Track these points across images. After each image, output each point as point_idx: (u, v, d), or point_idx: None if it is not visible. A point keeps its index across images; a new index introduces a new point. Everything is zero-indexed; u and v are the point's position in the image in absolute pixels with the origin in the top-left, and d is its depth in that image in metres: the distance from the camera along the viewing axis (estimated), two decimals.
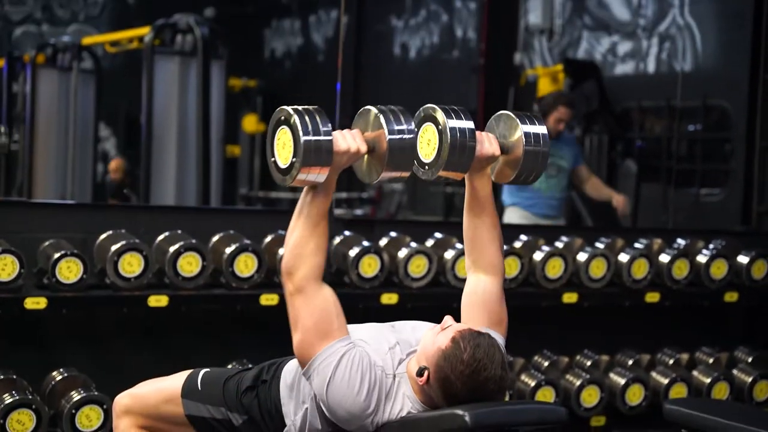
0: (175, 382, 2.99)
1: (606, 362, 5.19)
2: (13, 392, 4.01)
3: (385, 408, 2.67)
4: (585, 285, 5.00)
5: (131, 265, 4.22)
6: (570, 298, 4.96)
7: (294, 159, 2.59)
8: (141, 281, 4.24)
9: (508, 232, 5.18)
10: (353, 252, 4.61)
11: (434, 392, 2.64)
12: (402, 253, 4.71)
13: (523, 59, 8.82)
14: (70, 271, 4.12)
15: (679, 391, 5.04)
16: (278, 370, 2.90)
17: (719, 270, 5.22)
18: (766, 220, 6.24)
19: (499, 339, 2.80)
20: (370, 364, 2.66)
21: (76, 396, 4.09)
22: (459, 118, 2.73)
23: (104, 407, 4.07)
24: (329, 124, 2.60)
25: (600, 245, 5.15)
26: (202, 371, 2.99)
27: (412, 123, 2.68)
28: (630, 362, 5.21)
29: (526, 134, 2.84)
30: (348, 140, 2.64)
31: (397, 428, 2.66)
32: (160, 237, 4.42)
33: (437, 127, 2.73)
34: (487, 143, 2.80)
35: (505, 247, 4.85)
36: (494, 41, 8.18)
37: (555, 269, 4.93)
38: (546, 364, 5.07)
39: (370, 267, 4.62)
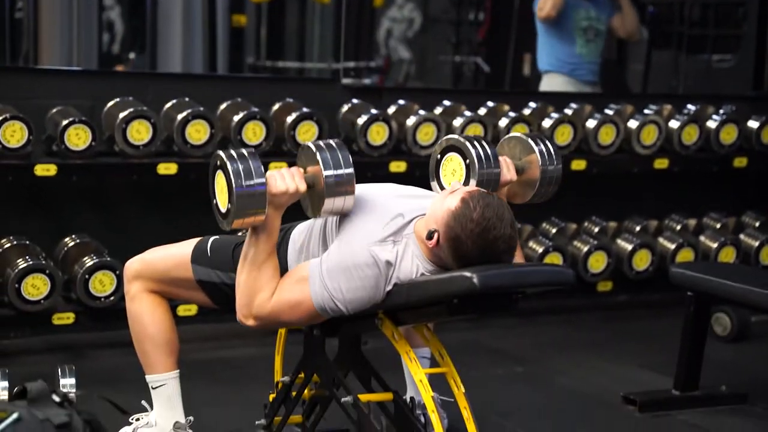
0: (185, 248, 3.01)
1: (614, 228, 5.22)
2: (27, 257, 4.06)
3: (397, 273, 2.69)
4: (594, 152, 4.99)
5: (140, 133, 4.21)
6: (579, 165, 4.95)
7: (229, 206, 2.62)
8: (149, 149, 4.24)
9: (515, 99, 5.17)
10: (361, 120, 4.59)
11: (444, 253, 2.66)
12: (410, 120, 4.69)
13: None
14: (78, 138, 4.11)
15: (685, 256, 5.08)
16: (287, 234, 2.92)
17: (729, 135, 5.19)
18: None
19: None
20: (355, 254, 2.66)
21: (89, 261, 4.14)
22: (484, 148, 2.81)
23: (117, 273, 4.12)
24: (262, 168, 2.62)
25: (609, 111, 5.12)
26: (212, 238, 3.02)
27: (349, 158, 2.70)
28: (637, 228, 5.23)
29: (541, 153, 2.91)
30: (286, 180, 2.66)
31: (405, 290, 2.68)
32: (168, 104, 4.40)
33: (464, 160, 2.81)
34: (506, 169, 2.86)
35: (514, 114, 4.86)
36: None
37: (564, 136, 4.91)
38: (554, 230, 5.10)
39: (378, 135, 4.61)
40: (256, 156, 2.65)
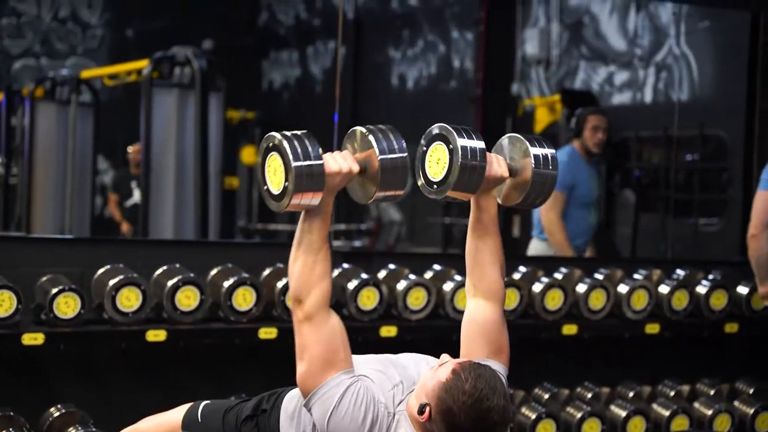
0: (176, 415, 2.99)
1: (607, 394, 5.17)
2: (11, 429, 3.98)
3: None
4: (585, 316, 4.98)
5: (129, 300, 4.20)
6: (570, 329, 4.94)
7: (286, 184, 2.58)
8: (139, 316, 4.22)
9: (510, 264, 5.17)
10: (352, 284, 4.59)
11: (437, 426, 2.62)
12: (401, 285, 4.70)
13: (520, 89, 8.85)
14: (68, 306, 4.10)
15: (680, 423, 5.01)
16: (278, 399, 2.89)
17: (719, 301, 5.21)
18: None
19: (501, 369, 2.79)
20: (374, 400, 2.64)
21: None
22: (470, 138, 2.71)
23: None
24: (319, 148, 2.60)
25: (599, 276, 5.14)
26: (202, 403, 2.99)
27: (402, 141, 2.67)
28: (631, 394, 5.18)
29: (536, 157, 2.82)
30: (339, 162, 2.64)
31: None
32: (158, 271, 4.41)
33: (448, 147, 2.71)
34: (496, 165, 2.78)
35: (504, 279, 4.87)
36: (491, 71, 8.20)
37: (554, 301, 4.92)
38: (546, 396, 5.05)
39: (368, 299, 4.60)
40: (311, 136, 2.61)
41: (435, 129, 2.77)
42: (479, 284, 2.86)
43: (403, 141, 2.67)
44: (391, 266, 4.88)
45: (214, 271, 4.51)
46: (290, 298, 2.69)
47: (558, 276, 5.07)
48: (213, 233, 7.18)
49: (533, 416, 4.79)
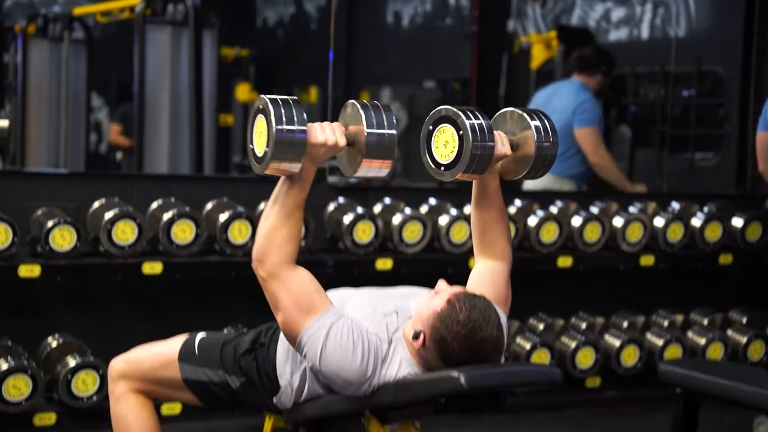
0: (172, 346, 2.99)
1: (601, 324, 5.21)
2: (9, 358, 4.02)
3: (382, 371, 2.67)
4: (580, 249, 5.00)
5: (125, 233, 4.21)
6: (565, 262, 4.96)
7: (266, 149, 2.59)
8: (135, 249, 4.23)
9: (506, 198, 5.18)
10: (347, 218, 4.60)
11: (431, 355, 2.64)
12: (396, 219, 4.71)
13: (516, 26, 8.77)
14: (63, 239, 4.11)
15: (674, 352, 5.06)
16: (276, 333, 2.91)
17: (714, 233, 5.22)
18: (760, 183, 6.23)
19: (502, 315, 2.80)
20: (361, 331, 2.66)
21: (71, 361, 4.10)
22: (477, 119, 2.70)
23: (100, 372, 4.09)
24: (304, 116, 2.59)
25: (594, 209, 5.15)
26: (199, 335, 3.00)
27: (393, 119, 2.66)
28: (625, 324, 5.22)
29: (536, 129, 2.81)
30: (327, 133, 2.62)
31: (393, 391, 2.67)
32: (154, 205, 4.41)
33: (458, 132, 2.70)
34: (500, 143, 2.77)
35: None
36: (487, 8, 8.12)
37: (549, 234, 4.93)
38: (541, 326, 5.08)
39: (364, 233, 4.61)
40: (300, 104, 2.60)
41: (441, 110, 2.75)
42: (488, 250, 2.90)
43: (394, 118, 2.67)
44: (387, 200, 4.88)
45: (209, 205, 4.51)
46: (253, 257, 2.69)
47: (553, 209, 5.07)
48: (208, 170, 7.17)
49: (528, 346, 4.82)
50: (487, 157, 2.70)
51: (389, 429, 2.78)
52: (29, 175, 5.06)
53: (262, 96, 2.63)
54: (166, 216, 4.29)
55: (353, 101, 2.70)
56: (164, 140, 6.92)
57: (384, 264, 4.64)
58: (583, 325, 5.15)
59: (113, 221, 4.19)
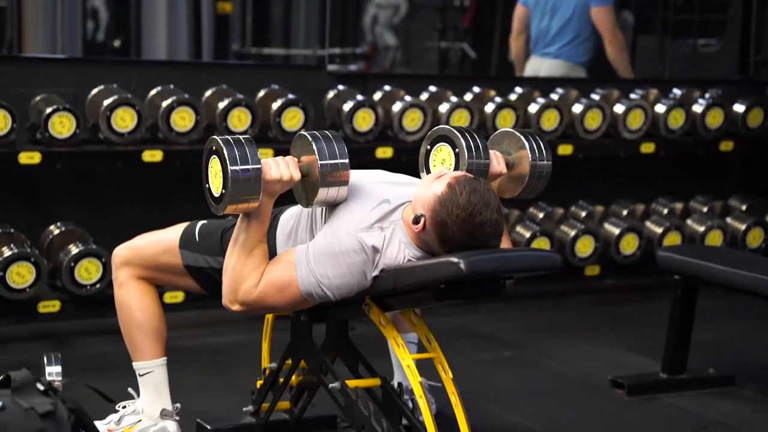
0: (173, 233, 3.01)
1: (601, 213, 5.23)
2: (12, 245, 4.04)
3: (384, 258, 2.68)
4: (580, 136, 4.99)
5: (124, 120, 4.19)
6: (565, 149, 4.95)
7: (223, 191, 2.61)
8: (134, 136, 4.22)
9: (502, 84, 5.15)
10: (347, 106, 4.58)
11: (430, 238, 2.65)
12: (396, 106, 4.68)
13: None
14: (62, 126, 4.09)
15: (673, 239, 5.09)
16: (276, 219, 2.91)
17: (715, 119, 5.20)
18: (763, 69, 6.19)
19: None
20: (341, 241, 2.66)
21: (74, 249, 4.13)
22: (474, 139, 2.79)
23: (102, 260, 4.11)
24: (258, 155, 2.62)
25: (595, 96, 5.12)
26: (200, 223, 3.01)
27: (345, 148, 2.70)
28: (624, 212, 5.24)
29: (531, 149, 2.89)
30: (281, 168, 2.65)
31: (392, 276, 2.68)
32: (153, 92, 4.38)
33: (454, 150, 2.79)
34: (495, 162, 2.84)
35: (500, 99, 4.86)
36: None
37: (550, 121, 4.91)
38: (541, 215, 5.11)
39: (364, 121, 4.60)
40: (252, 143, 2.65)
41: (438, 130, 2.85)
42: None
43: (345, 147, 2.70)
44: (387, 88, 4.85)
45: (208, 92, 4.48)
46: (224, 300, 2.73)
47: (554, 96, 5.04)
48: (206, 57, 7.10)
49: (528, 234, 4.85)
50: (483, 174, 2.78)
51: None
52: (26, 60, 5.01)
53: (215, 137, 2.67)
54: (165, 103, 4.26)
55: (303, 132, 2.74)
56: (162, 26, 6.83)
57: (384, 152, 4.63)
58: (583, 214, 5.17)
59: (112, 108, 4.17)
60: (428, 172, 2.87)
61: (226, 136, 2.67)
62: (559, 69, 5.70)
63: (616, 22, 5.82)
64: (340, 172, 2.69)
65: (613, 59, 5.73)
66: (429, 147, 2.88)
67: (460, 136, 2.80)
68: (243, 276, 2.69)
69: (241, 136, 2.67)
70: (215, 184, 2.67)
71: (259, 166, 2.62)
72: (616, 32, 5.73)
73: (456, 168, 2.78)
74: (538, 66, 5.78)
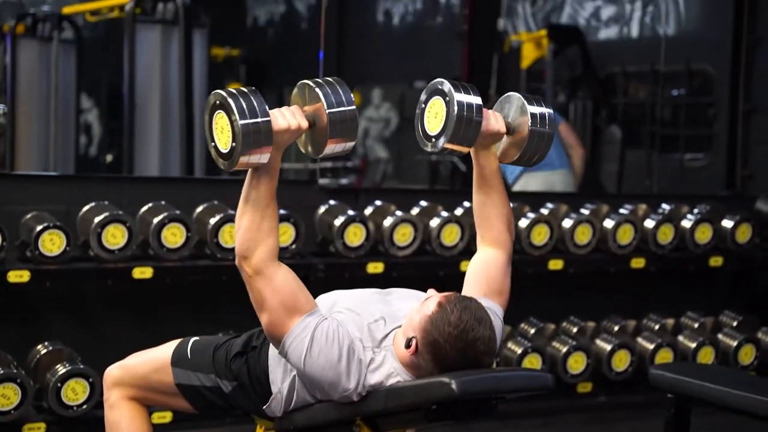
0: (165, 351, 2.98)
1: (592, 328, 5.21)
2: None
3: (368, 378, 2.66)
4: (570, 251, 5.00)
5: (115, 237, 4.20)
6: (556, 264, 4.96)
7: (233, 144, 2.55)
8: (125, 253, 4.22)
9: None
10: (338, 221, 4.59)
11: (424, 359, 2.63)
12: (387, 221, 4.70)
13: (506, 25, 8.77)
14: (53, 243, 4.09)
15: (664, 356, 5.06)
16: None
17: (704, 234, 5.23)
18: (750, 184, 6.25)
19: (497, 309, 2.80)
20: (347, 335, 2.64)
21: (61, 369, 4.08)
22: (467, 92, 2.73)
23: (90, 380, 4.06)
24: (265, 105, 2.57)
25: (585, 211, 5.15)
26: (192, 340, 2.98)
27: (351, 94, 2.65)
28: (616, 328, 5.22)
29: (533, 115, 2.84)
30: (288, 118, 2.60)
31: (383, 397, 2.65)
32: (144, 208, 4.40)
33: (444, 100, 2.73)
34: (493, 120, 2.81)
35: None
36: (478, 7, 8.14)
37: (540, 236, 4.93)
38: (532, 331, 5.08)
39: (355, 236, 4.61)
40: (257, 93, 2.58)
41: (433, 84, 2.78)
42: (485, 235, 2.90)
43: (351, 93, 2.66)
44: (378, 202, 4.88)
45: (200, 208, 4.50)
46: (236, 255, 2.67)
47: (544, 211, 5.07)
48: (199, 171, 7.15)
49: (519, 351, 4.82)
50: (474, 126, 2.72)
51: None
52: (18, 178, 5.03)
53: (218, 91, 2.60)
54: (156, 220, 4.28)
55: (305, 81, 2.68)
56: (154, 142, 6.89)
57: (375, 267, 4.64)
58: (574, 330, 5.15)
59: (103, 225, 4.18)
60: (422, 128, 2.79)
61: (231, 89, 2.58)
62: (567, 177, 6.12)
63: None
64: (349, 119, 2.62)
65: (578, 168, 6.22)
66: (424, 105, 2.80)
67: (451, 86, 2.72)
68: (258, 239, 2.61)
69: (245, 88, 2.59)
70: (222, 140, 2.58)
71: (268, 118, 2.54)
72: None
73: (447, 117, 2.72)
74: (552, 179, 6.11)
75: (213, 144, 2.63)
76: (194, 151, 6.92)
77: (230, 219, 4.37)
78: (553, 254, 4.99)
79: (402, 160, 9.42)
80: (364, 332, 2.70)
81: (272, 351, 2.84)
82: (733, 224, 5.28)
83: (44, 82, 7.52)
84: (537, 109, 2.85)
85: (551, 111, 2.88)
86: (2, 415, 3.96)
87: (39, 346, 4.25)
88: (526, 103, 2.85)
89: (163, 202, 4.42)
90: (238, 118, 2.52)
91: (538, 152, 2.87)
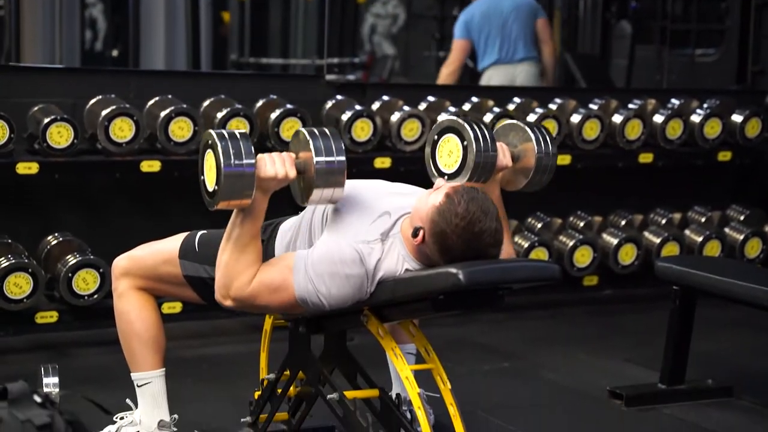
0: (173, 243, 3.00)
1: (599, 223, 5.22)
2: (9, 256, 4.03)
3: (379, 267, 2.68)
4: (578, 146, 4.99)
5: (122, 130, 4.19)
6: (563, 159, 4.94)
7: (215, 186, 2.59)
8: (132, 146, 4.22)
9: (500, 94, 5.16)
10: (345, 116, 4.58)
11: (430, 249, 2.65)
12: (395, 116, 4.68)
13: None
14: (60, 136, 4.09)
15: (671, 250, 5.08)
16: (275, 230, 2.92)
17: (713, 129, 5.20)
18: (761, 79, 6.19)
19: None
20: (338, 249, 2.66)
21: (72, 259, 4.11)
22: (482, 133, 2.78)
23: (100, 270, 4.10)
24: (252, 150, 2.59)
25: (593, 106, 5.12)
26: (199, 233, 3.00)
27: (342, 146, 2.67)
28: (623, 222, 5.23)
29: (537, 141, 2.89)
30: (276, 165, 2.63)
31: (391, 287, 2.68)
32: (151, 102, 4.38)
33: (462, 142, 2.78)
34: (501, 155, 2.84)
35: (498, 109, 4.86)
36: None
37: (549, 131, 4.90)
38: (539, 225, 5.10)
39: (362, 131, 4.59)
40: (247, 137, 2.62)
41: (448, 122, 2.83)
42: None
43: (343, 144, 2.67)
44: (385, 98, 4.85)
45: (206, 102, 4.48)
46: (216, 292, 2.72)
47: (552, 106, 5.05)
48: (205, 66, 7.11)
49: (526, 244, 4.85)
50: (490, 166, 2.79)
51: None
52: (24, 70, 5.01)
53: (210, 131, 2.64)
54: (164, 113, 4.26)
55: (302, 128, 2.71)
56: (160, 36, 6.84)
57: (382, 162, 4.63)
58: (581, 224, 5.16)
59: (110, 118, 4.16)
60: (434, 163, 2.86)
61: (222, 130, 2.63)
62: (532, 69, 6.17)
63: None
64: (337, 171, 2.66)
65: (550, 63, 6.25)
66: (436, 138, 2.86)
67: (468, 128, 2.78)
68: (236, 272, 2.68)
69: (236, 131, 2.64)
70: (209, 177, 2.65)
71: (253, 161, 2.58)
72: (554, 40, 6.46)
73: (464, 161, 2.78)
74: (512, 71, 6.15)
75: (202, 179, 2.70)
76: (200, 45, 6.87)
77: (237, 113, 4.35)
78: (561, 149, 4.95)
79: (409, 56, 9.34)
80: (371, 230, 2.71)
81: (279, 244, 2.87)
82: (743, 119, 5.24)
83: None
84: (539, 135, 2.91)
85: (552, 136, 2.95)
86: (15, 303, 4.01)
87: (49, 237, 4.28)
88: (528, 130, 2.91)
89: (170, 96, 4.40)
90: (222, 160, 2.55)
91: (543, 179, 2.95)
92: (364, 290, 2.66)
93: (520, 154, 2.92)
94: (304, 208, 2.86)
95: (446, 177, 2.82)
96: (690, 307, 3.81)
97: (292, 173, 2.66)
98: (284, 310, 2.79)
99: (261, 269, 2.69)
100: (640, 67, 7.33)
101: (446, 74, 6.29)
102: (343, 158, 2.67)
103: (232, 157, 2.56)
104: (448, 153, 2.82)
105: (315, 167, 2.64)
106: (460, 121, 2.81)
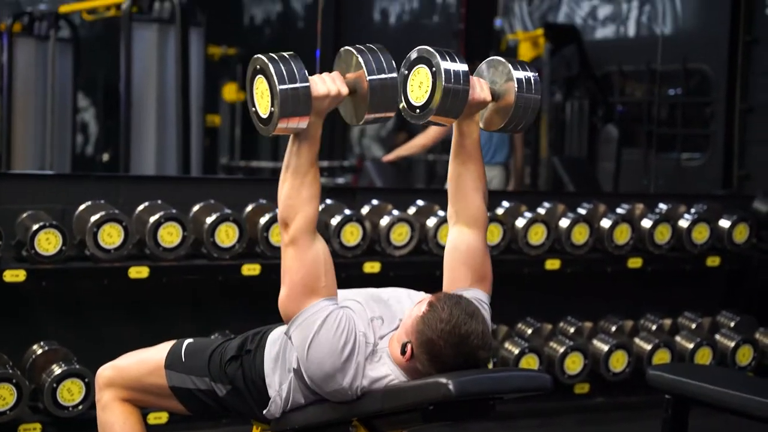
0: (159, 353, 2.95)
1: (589, 329, 5.19)
2: None
3: (365, 374, 2.65)
4: (567, 251, 4.99)
5: (111, 236, 4.18)
6: (553, 264, 4.95)
7: (272, 109, 2.54)
8: (121, 252, 4.20)
9: (493, 199, 5.17)
10: (335, 220, 4.58)
11: (420, 362, 2.62)
12: (384, 221, 4.69)
13: (503, 24, 8.78)
14: (49, 242, 4.08)
15: (662, 356, 5.05)
16: (263, 339, 2.88)
17: (701, 234, 5.21)
18: (747, 183, 6.25)
19: (483, 296, 2.79)
20: (354, 329, 2.64)
21: (57, 369, 4.06)
22: (453, 60, 2.66)
23: (86, 380, 4.05)
24: (305, 70, 2.54)
25: (582, 211, 5.14)
26: (186, 342, 2.96)
27: (393, 61, 2.60)
28: (613, 328, 5.21)
29: (518, 80, 2.76)
30: (327, 84, 2.58)
31: (380, 397, 2.65)
32: (140, 207, 4.38)
33: (431, 70, 2.66)
34: (479, 88, 2.75)
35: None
36: (474, 6, 8.13)
37: (537, 235, 4.92)
38: (529, 331, 5.07)
39: (352, 235, 4.59)
40: (297, 58, 2.56)
41: (416, 52, 2.70)
42: (462, 211, 2.85)
43: (393, 61, 2.60)
44: (375, 202, 4.87)
45: (196, 207, 4.49)
46: (279, 221, 2.67)
47: (541, 211, 5.06)
48: (195, 170, 7.15)
49: (516, 351, 4.81)
50: (462, 97, 2.65)
51: None
52: (14, 177, 5.02)
53: (259, 55, 2.58)
54: (153, 219, 4.26)
55: (348, 47, 2.64)
56: (151, 141, 6.89)
57: (372, 267, 4.62)
58: (571, 330, 5.14)
59: (99, 224, 4.16)
60: (405, 97, 2.71)
61: (271, 54, 2.56)
62: (503, 173, 6.46)
63: None
64: (390, 87, 2.58)
65: (520, 165, 6.50)
66: (407, 71, 2.71)
67: (438, 55, 2.65)
68: (298, 205, 2.61)
69: (286, 53, 2.57)
70: (262, 105, 2.57)
71: (307, 83, 2.52)
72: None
73: (433, 88, 2.64)
74: (489, 174, 6.15)
75: (253, 109, 2.62)
76: (190, 150, 6.92)
77: (226, 218, 4.35)
78: (550, 254, 4.98)
79: (399, 160, 9.40)
80: (369, 327, 2.69)
81: (268, 355, 2.82)
82: (731, 224, 5.27)
83: (41, 81, 7.52)
84: (523, 74, 2.77)
85: (536, 75, 2.80)
86: None
87: (35, 346, 4.23)
88: (511, 67, 2.77)
89: (159, 201, 4.40)
90: (277, 83, 2.50)
91: (524, 119, 2.80)
92: (341, 381, 2.62)
93: (501, 93, 2.78)
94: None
95: (417, 110, 2.69)
96: (683, 416, 3.76)
97: (345, 90, 2.59)
98: (291, 291, 2.64)
99: (322, 256, 2.63)
100: (627, 171, 7.39)
101: (419, 144, 6.61)
102: (395, 75, 2.59)
103: (287, 79, 2.50)
104: (419, 84, 2.68)
105: (369, 85, 2.56)
106: (430, 49, 2.67)
